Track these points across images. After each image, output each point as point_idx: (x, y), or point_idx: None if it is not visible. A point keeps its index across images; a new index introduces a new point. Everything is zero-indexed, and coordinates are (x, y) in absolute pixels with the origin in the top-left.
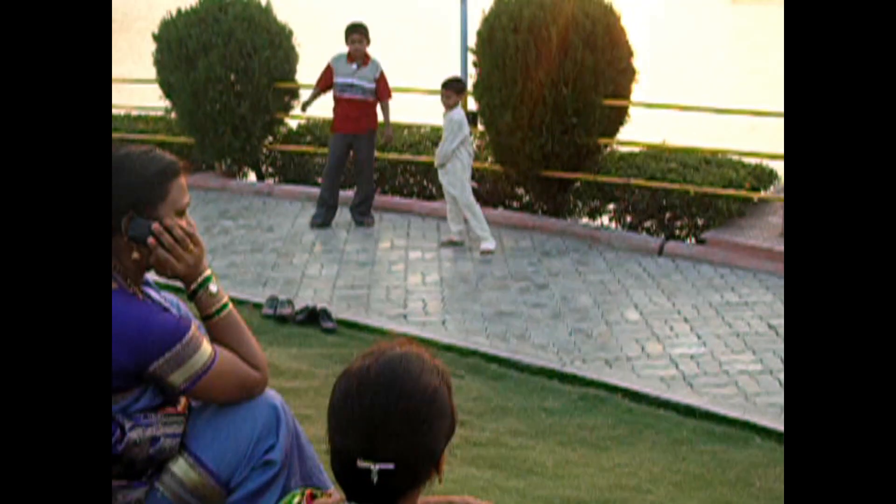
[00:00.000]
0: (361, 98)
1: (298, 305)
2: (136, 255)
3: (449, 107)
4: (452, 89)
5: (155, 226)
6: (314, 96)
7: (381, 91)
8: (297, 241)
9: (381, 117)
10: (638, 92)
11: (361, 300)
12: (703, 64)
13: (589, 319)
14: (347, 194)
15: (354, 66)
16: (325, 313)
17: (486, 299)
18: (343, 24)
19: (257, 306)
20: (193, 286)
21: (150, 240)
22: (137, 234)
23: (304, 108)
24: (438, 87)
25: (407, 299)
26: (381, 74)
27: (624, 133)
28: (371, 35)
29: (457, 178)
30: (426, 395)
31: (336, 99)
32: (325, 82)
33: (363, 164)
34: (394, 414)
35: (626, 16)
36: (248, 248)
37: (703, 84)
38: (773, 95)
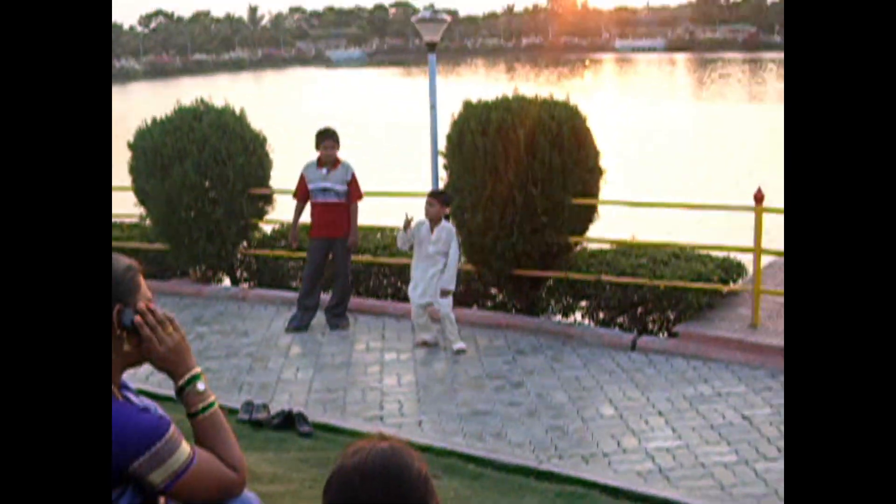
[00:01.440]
0: (335, 201)
1: (274, 410)
2: (127, 347)
3: (434, 218)
4: (437, 199)
5: (140, 305)
6: (298, 211)
7: (352, 193)
8: (272, 345)
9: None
10: (607, 190)
11: (337, 403)
12: (672, 160)
13: (564, 416)
14: (324, 297)
15: (325, 170)
16: (300, 417)
17: (462, 399)
18: (316, 129)
19: (233, 412)
20: (181, 382)
21: (136, 317)
22: (128, 322)
23: (291, 241)
24: (411, 189)
25: (383, 401)
26: (353, 177)
27: (594, 230)
28: (345, 139)
29: (436, 287)
30: (420, 480)
31: (312, 205)
32: (301, 192)
33: (340, 268)
34: (397, 499)
35: (592, 116)
36: (224, 353)
37: (672, 180)
38: (740, 190)
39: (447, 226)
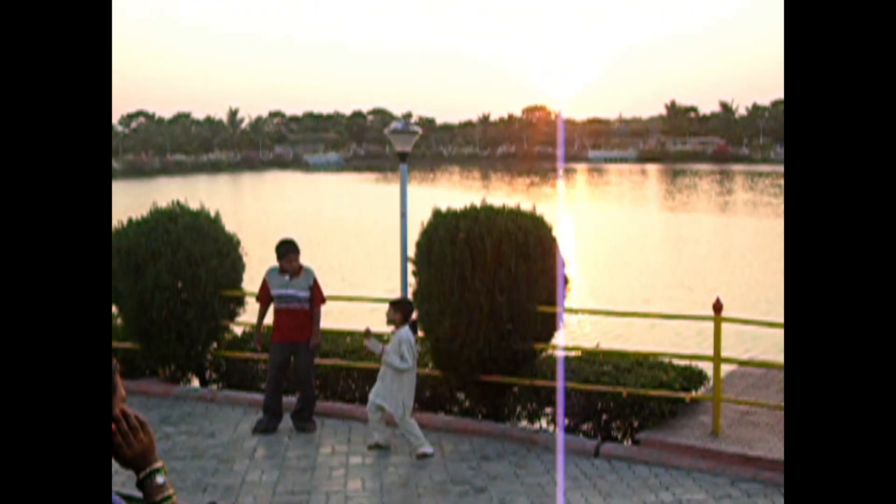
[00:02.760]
0: (298, 307)
1: None
2: None
3: (393, 323)
4: (394, 307)
5: (115, 410)
6: (261, 315)
7: (315, 298)
8: (238, 447)
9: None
10: (577, 298)
11: None
12: (638, 268)
13: None
14: (290, 400)
15: (287, 276)
16: None
17: None
18: (289, 232)
19: None
20: (143, 474)
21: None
22: None
23: (255, 344)
24: (380, 295)
25: None
26: (315, 282)
27: (566, 339)
28: (318, 243)
29: (394, 394)
30: None
31: (275, 310)
32: (264, 296)
33: (303, 372)
34: None
35: (565, 224)
36: (189, 454)
37: (638, 288)
38: (704, 300)
39: (401, 333)
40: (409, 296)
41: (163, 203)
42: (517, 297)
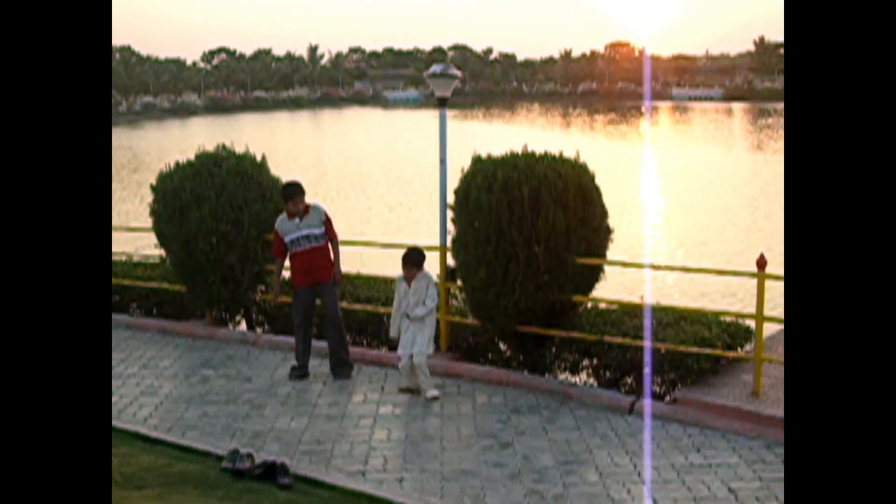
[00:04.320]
0: (317, 245)
1: (261, 459)
2: None
3: (412, 277)
4: (408, 262)
5: None
6: (279, 267)
7: (329, 232)
8: (272, 393)
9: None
10: (648, 243)
11: (324, 455)
12: (712, 214)
13: (547, 481)
14: (322, 345)
15: (297, 219)
16: (282, 469)
17: (448, 458)
18: (337, 174)
19: (221, 458)
20: None
21: None
22: None
23: (275, 297)
24: (420, 243)
25: (369, 455)
26: (327, 217)
27: (603, 289)
28: (355, 189)
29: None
30: None
31: (293, 255)
32: (280, 249)
33: (331, 312)
34: None
35: (647, 164)
36: (224, 398)
37: (709, 233)
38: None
39: (425, 274)
40: (448, 244)
41: (247, 138)
42: (554, 247)
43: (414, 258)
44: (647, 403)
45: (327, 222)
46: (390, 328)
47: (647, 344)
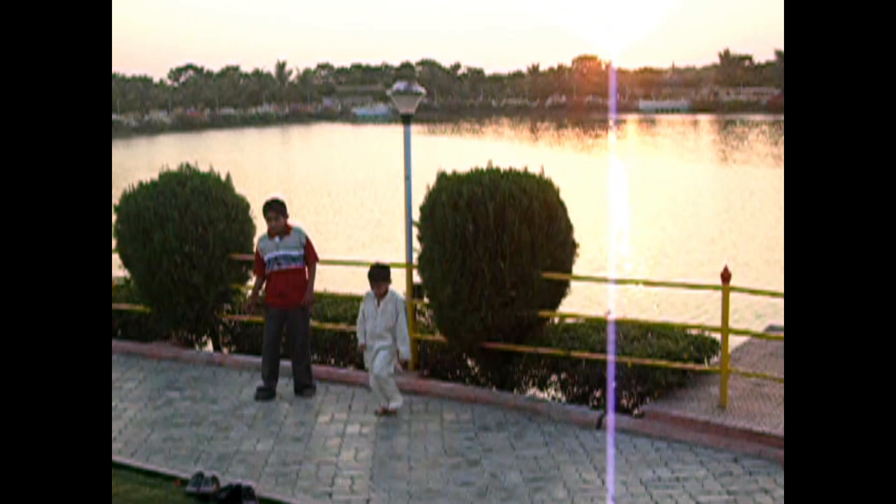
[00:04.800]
0: (293, 267)
1: (226, 482)
2: None
3: (382, 294)
4: (378, 278)
5: None
6: (258, 286)
7: (309, 256)
8: (238, 415)
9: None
10: (617, 257)
11: (290, 477)
12: (683, 229)
13: (515, 498)
14: (289, 364)
15: (277, 239)
16: (248, 492)
17: (415, 477)
18: (305, 191)
19: (185, 482)
20: None
21: None
22: None
23: (246, 308)
24: (387, 260)
25: (336, 476)
26: (307, 241)
27: (571, 304)
28: (321, 206)
29: (393, 356)
30: None
31: (269, 274)
32: (260, 269)
33: (297, 336)
34: None
35: (614, 177)
36: (189, 420)
37: (674, 250)
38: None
39: (393, 294)
40: (414, 261)
41: (215, 155)
42: (520, 263)
43: (379, 273)
44: (610, 419)
45: (307, 246)
46: (358, 336)
47: (610, 358)
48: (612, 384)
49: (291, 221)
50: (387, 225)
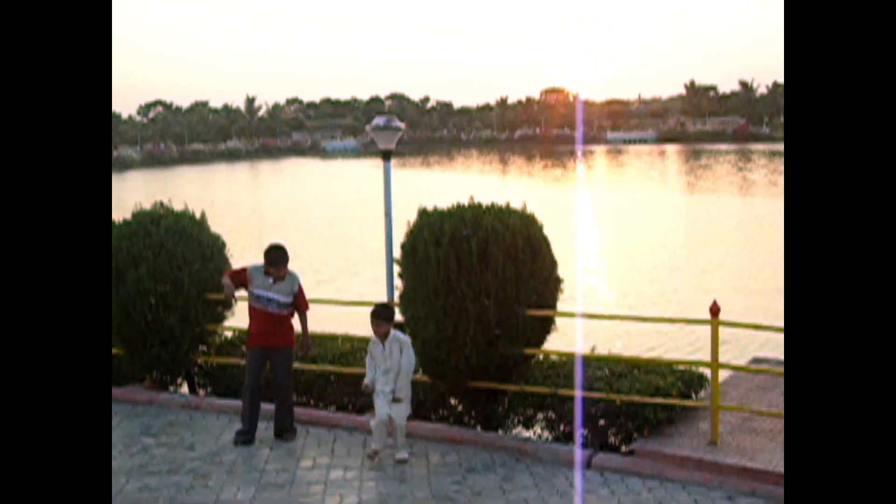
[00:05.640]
0: (277, 312)
1: None
2: None
3: (383, 334)
4: (380, 317)
5: None
6: (229, 289)
7: (300, 303)
8: (217, 461)
9: (298, 328)
10: (591, 294)
11: None
12: (651, 259)
13: None
14: (270, 407)
15: (271, 279)
16: None
17: None
18: (277, 227)
19: None
20: None
21: None
22: None
23: (226, 294)
24: (365, 298)
25: None
26: (300, 288)
27: (555, 342)
28: (304, 243)
29: (407, 404)
30: None
31: (251, 309)
32: (238, 279)
33: (282, 379)
34: None
35: (582, 208)
36: (166, 468)
37: (650, 282)
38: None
39: (397, 336)
40: (396, 299)
41: (183, 192)
42: (505, 300)
43: (381, 313)
44: (577, 454)
45: (299, 294)
46: (367, 374)
47: (578, 394)
48: (580, 427)
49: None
50: (363, 262)
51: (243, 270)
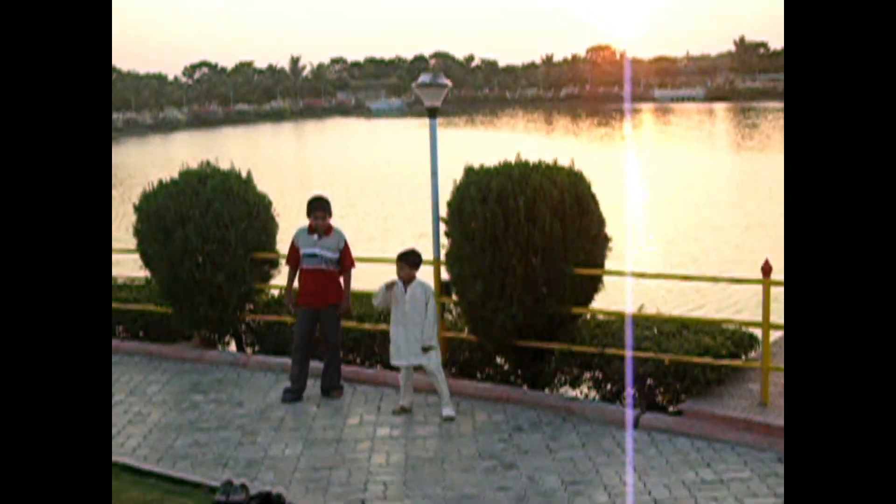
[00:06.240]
0: (324, 268)
1: (255, 489)
2: None
3: (406, 279)
4: (406, 262)
5: None
6: (291, 277)
7: (345, 261)
8: (265, 418)
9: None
10: (637, 254)
11: (321, 483)
12: (701, 220)
13: (553, 503)
14: (318, 365)
15: (315, 236)
16: (278, 500)
17: (450, 481)
18: (322, 187)
19: (214, 490)
20: None
21: None
22: None
23: (288, 304)
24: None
25: (368, 481)
26: (345, 245)
27: (603, 300)
28: (348, 202)
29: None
30: None
31: (301, 271)
32: (294, 259)
33: (330, 337)
34: None
35: (630, 168)
36: (215, 425)
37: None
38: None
39: (421, 283)
40: (442, 258)
41: (229, 152)
42: (552, 258)
43: (411, 259)
44: (628, 413)
45: (345, 250)
46: (377, 297)
47: (628, 354)
48: (630, 387)
49: (333, 222)
50: (409, 221)
51: (291, 245)
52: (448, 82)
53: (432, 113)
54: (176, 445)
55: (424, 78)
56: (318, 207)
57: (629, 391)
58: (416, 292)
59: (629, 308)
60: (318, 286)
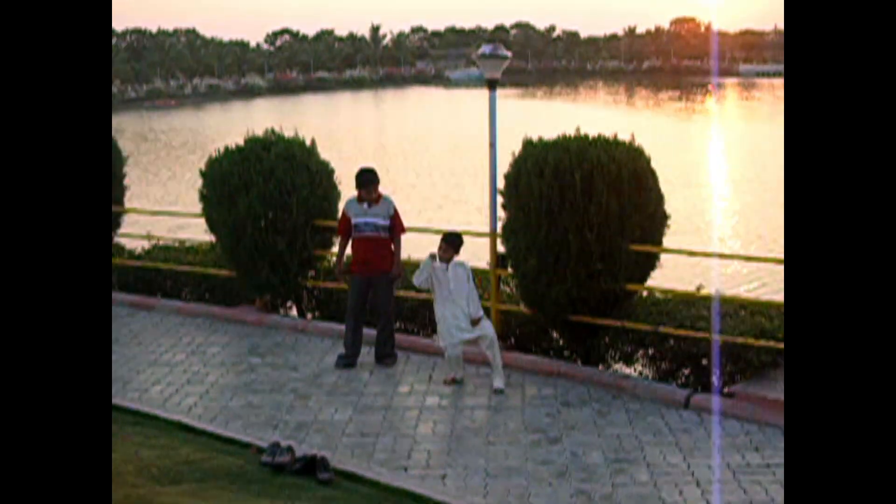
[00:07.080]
0: (375, 235)
1: (303, 451)
2: None
3: (447, 259)
4: (449, 244)
5: None
6: (342, 247)
7: (396, 227)
8: (317, 383)
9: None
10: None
11: (367, 448)
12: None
13: (595, 480)
14: (372, 332)
15: (365, 204)
16: (323, 463)
17: (494, 453)
18: (395, 156)
19: (262, 451)
20: None
21: None
22: None
23: (337, 276)
24: (471, 227)
25: (412, 450)
26: (395, 212)
27: (665, 279)
28: (409, 171)
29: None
30: None
31: (353, 239)
32: (344, 228)
33: (381, 305)
34: None
35: (715, 141)
36: (269, 387)
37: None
38: None
39: (459, 261)
40: (499, 230)
41: (308, 119)
42: (608, 234)
43: (453, 240)
44: (716, 402)
45: (395, 217)
46: (416, 278)
47: (715, 338)
48: (717, 368)
49: (381, 190)
50: (475, 193)
51: (342, 216)
52: (508, 53)
53: (492, 84)
54: (230, 406)
55: (485, 49)
56: (367, 181)
57: (717, 367)
58: (458, 270)
59: (714, 289)
60: (370, 254)
